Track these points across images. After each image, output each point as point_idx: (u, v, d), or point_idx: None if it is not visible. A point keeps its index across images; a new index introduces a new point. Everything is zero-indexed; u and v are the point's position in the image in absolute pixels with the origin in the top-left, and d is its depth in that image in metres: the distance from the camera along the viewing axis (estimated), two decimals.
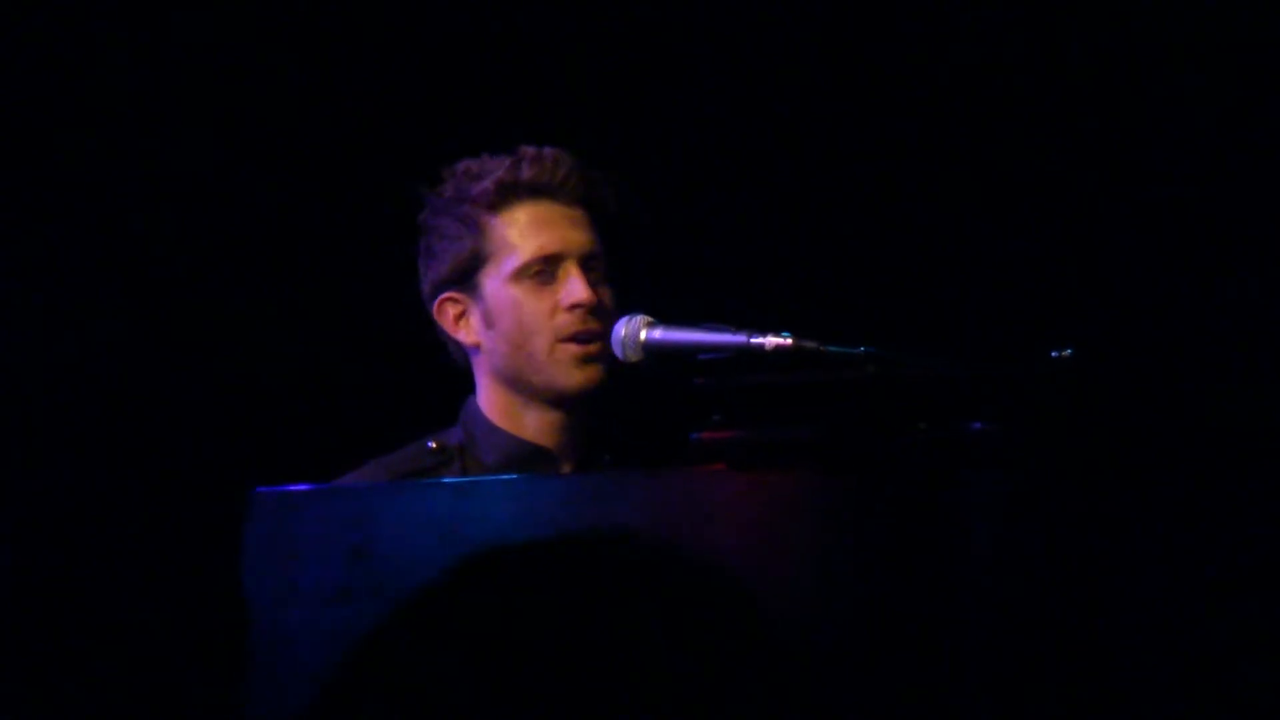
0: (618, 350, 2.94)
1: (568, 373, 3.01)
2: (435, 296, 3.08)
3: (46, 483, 3.97)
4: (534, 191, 3.05)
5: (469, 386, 3.12)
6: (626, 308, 2.98)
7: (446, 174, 3.11)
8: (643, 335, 2.92)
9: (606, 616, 1.25)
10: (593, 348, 3.00)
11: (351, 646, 1.20)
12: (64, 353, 3.99)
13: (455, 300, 3.08)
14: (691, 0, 4.21)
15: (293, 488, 2.28)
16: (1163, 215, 4.00)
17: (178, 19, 4.05)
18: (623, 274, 3.10)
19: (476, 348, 3.08)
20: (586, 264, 3.03)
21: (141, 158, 4.05)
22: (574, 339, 3.01)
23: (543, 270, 3.02)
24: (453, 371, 3.15)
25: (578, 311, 3.00)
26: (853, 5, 4.17)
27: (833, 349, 2.71)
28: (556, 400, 3.04)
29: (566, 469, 3.06)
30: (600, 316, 3.00)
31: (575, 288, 3.00)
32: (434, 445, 3.09)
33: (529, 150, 3.08)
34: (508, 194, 3.05)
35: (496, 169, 3.06)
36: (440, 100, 4.14)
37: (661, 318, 2.94)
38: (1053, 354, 2.41)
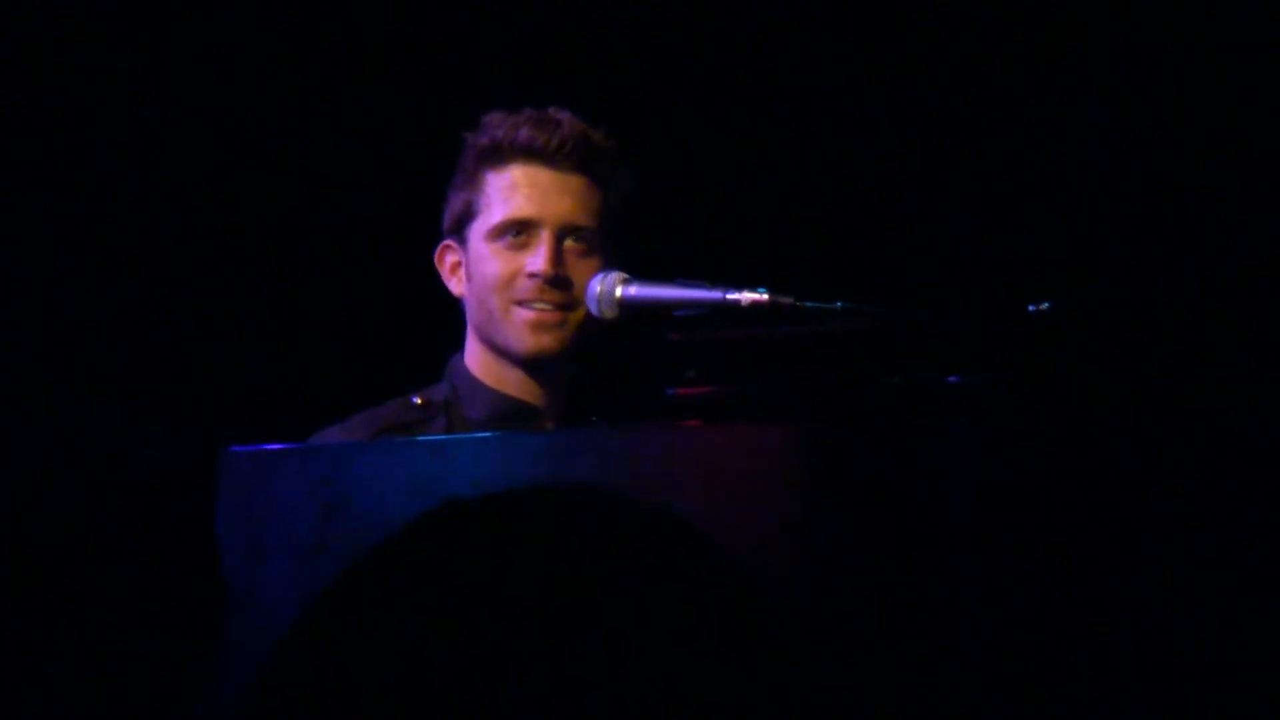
0: (593, 307, 2.94)
1: (519, 336, 3.02)
2: (438, 242, 3.11)
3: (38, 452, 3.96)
4: (528, 153, 3.05)
5: (457, 341, 3.12)
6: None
7: (480, 120, 3.12)
8: (618, 292, 2.92)
9: (579, 571, 1.24)
10: (547, 315, 3.00)
11: (322, 599, 1.19)
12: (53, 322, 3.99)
13: (451, 249, 3.10)
14: None
15: (265, 447, 2.27)
16: (1140, 167, 3.99)
17: None
18: (626, 243, 3.10)
19: (462, 299, 3.09)
20: (565, 233, 3.02)
21: (112, 119, 4.04)
22: (527, 304, 3.01)
23: (516, 233, 3.02)
24: (440, 327, 3.16)
25: (536, 280, 2.99)
26: None
27: (808, 303, 2.71)
28: (518, 361, 3.04)
29: (550, 425, 3.06)
30: (562, 287, 3.00)
31: (538, 258, 3.00)
32: (419, 400, 3.10)
33: (538, 112, 3.08)
34: (503, 152, 3.06)
35: (505, 124, 3.06)
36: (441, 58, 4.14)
37: (637, 274, 2.94)
38: (1030, 307, 2.40)
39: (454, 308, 3.13)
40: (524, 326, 3.02)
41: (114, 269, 4.02)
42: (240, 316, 4.08)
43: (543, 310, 3.01)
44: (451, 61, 4.11)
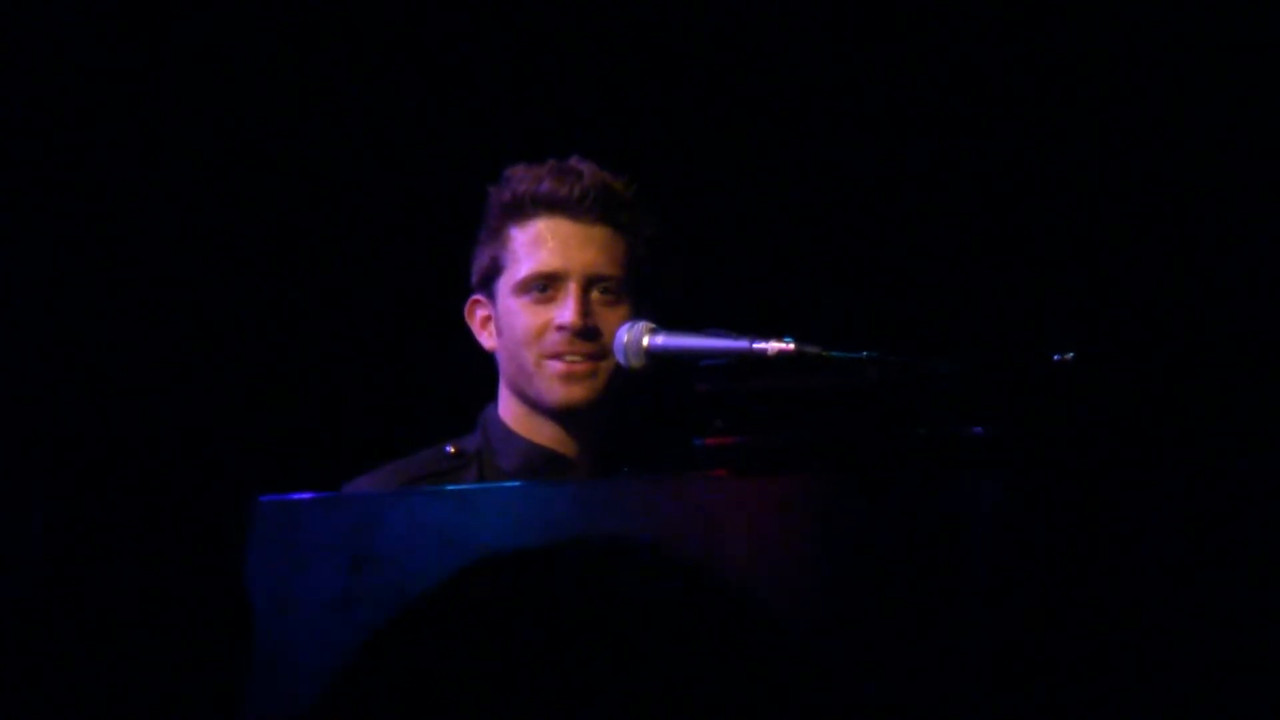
0: (620, 356, 2.94)
1: (550, 388, 3.02)
2: (468, 297, 3.12)
3: (62, 489, 3.97)
4: (550, 206, 3.05)
5: (491, 392, 3.14)
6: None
7: (503, 174, 3.13)
8: (645, 341, 2.92)
9: (608, 623, 1.25)
10: (578, 367, 3.01)
11: (352, 652, 1.20)
12: (77, 355, 4.00)
13: (480, 303, 3.11)
14: (697, 6, 4.21)
15: (296, 496, 2.28)
16: (1163, 219, 3.99)
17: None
18: (653, 290, 3.11)
19: (494, 353, 3.10)
20: (591, 283, 3.02)
21: (152, 160, 4.06)
22: (558, 357, 3.01)
23: (543, 287, 3.03)
24: (474, 378, 3.17)
25: (565, 332, 3.00)
26: (854, 13, 4.18)
27: (835, 354, 2.71)
28: (550, 413, 3.05)
29: (582, 475, 3.06)
30: (591, 338, 3.00)
31: (566, 310, 3.01)
32: (452, 450, 3.10)
33: (560, 163, 3.08)
34: (525, 206, 3.05)
35: (527, 178, 3.07)
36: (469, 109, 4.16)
37: (664, 324, 2.94)
38: (1054, 357, 2.41)
39: (485, 358, 3.14)
40: (555, 379, 3.02)
41: (143, 315, 4.04)
42: (275, 365, 4.10)
43: (573, 362, 3.01)
44: (484, 119, 4.12)
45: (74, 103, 4.01)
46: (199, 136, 4.06)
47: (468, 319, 3.13)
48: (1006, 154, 4.10)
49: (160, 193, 4.05)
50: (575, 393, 3.02)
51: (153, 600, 3.91)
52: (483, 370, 3.16)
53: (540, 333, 3.02)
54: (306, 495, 2.30)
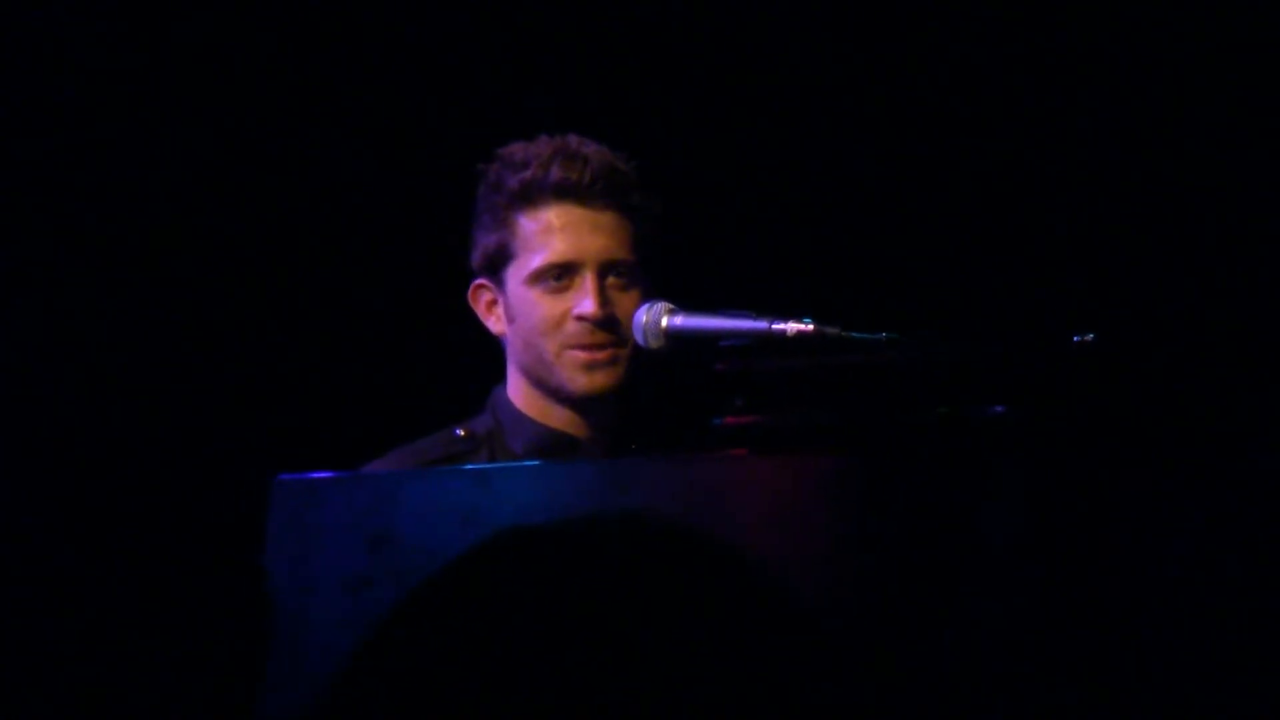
0: (639, 337, 2.94)
1: (572, 377, 3.02)
2: (471, 280, 3.10)
3: (70, 475, 3.98)
4: (560, 193, 3.03)
5: (499, 373, 3.13)
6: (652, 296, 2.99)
7: (498, 153, 3.11)
8: (664, 322, 2.92)
9: (629, 603, 1.25)
10: (600, 354, 3.00)
11: (372, 632, 1.20)
12: (86, 339, 4.01)
13: (486, 288, 3.09)
14: None
15: (314, 475, 2.28)
16: (1187, 202, 3.98)
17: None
18: (660, 269, 3.10)
19: (503, 337, 3.09)
20: (606, 270, 3.01)
21: (157, 142, 4.06)
22: (580, 346, 3.01)
23: (558, 276, 3.01)
24: (482, 360, 3.16)
25: (585, 323, 2.99)
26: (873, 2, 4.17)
27: (854, 334, 2.71)
28: (569, 400, 3.04)
29: (594, 457, 3.06)
30: (611, 326, 2.99)
31: (585, 300, 3.00)
32: (462, 433, 3.10)
33: (564, 146, 3.06)
34: (535, 193, 3.03)
35: (531, 162, 3.05)
36: (467, 82, 4.15)
37: (683, 304, 2.94)
38: (1075, 338, 2.40)
39: (489, 340, 3.13)
40: (578, 368, 3.01)
41: (148, 300, 4.04)
42: (275, 352, 4.09)
43: (595, 351, 3.01)
44: (484, 97, 4.12)
45: (74, 102, 4.01)
46: (198, 123, 4.06)
47: (472, 302, 3.11)
48: (1030, 135, 4.09)
49: (162, 176, 4.05)
50: (598, 380, 3.01)
51: (160, 587, 3.92)
52: (487, 351, 3.15)
53: (559, 323, 3.01)
54: (325, 474, 2.30)
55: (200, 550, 3.92)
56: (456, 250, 3.17)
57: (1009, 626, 2.07)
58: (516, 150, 3.07)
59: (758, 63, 4.20)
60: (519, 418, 3.08)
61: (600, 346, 3.00)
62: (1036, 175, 4.08)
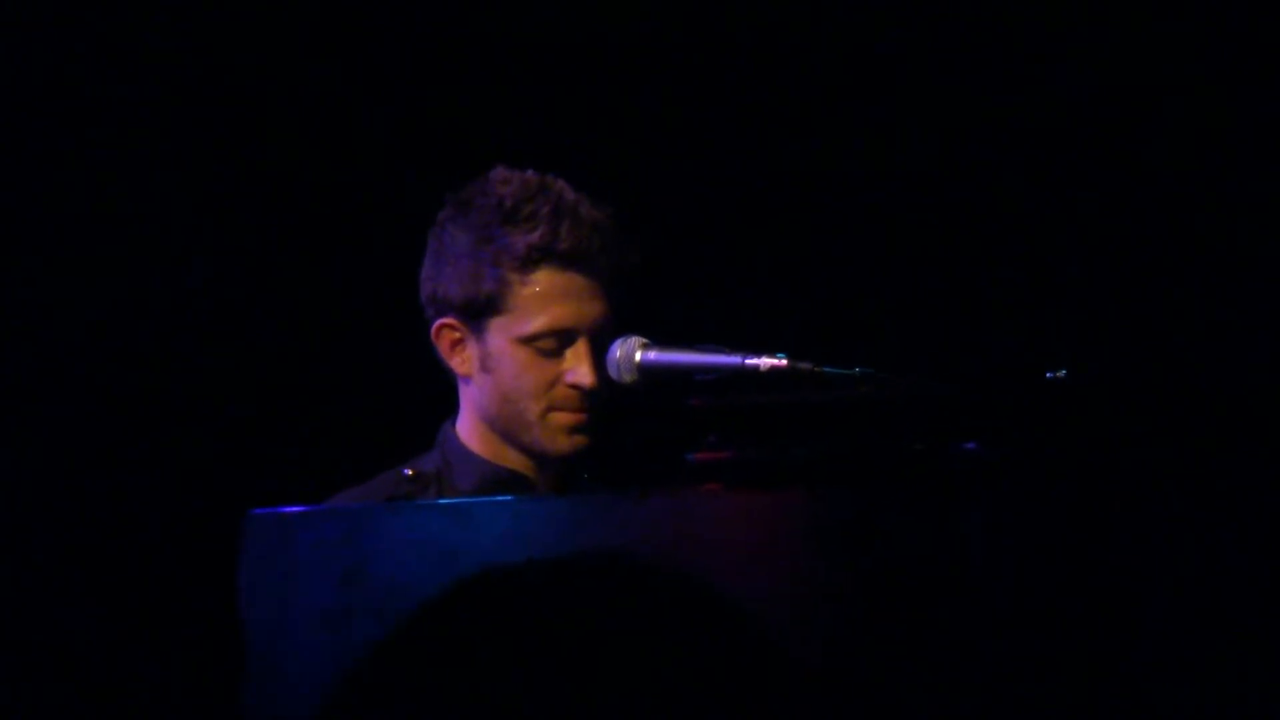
0: (612, 371, 2.93)
1: (554, 439, 3.01)
2: (437, 316, 3.05)
3: (44, 500, 3.97)
4: (566, 261, 3.00)
5: (449, 408, 3.11)
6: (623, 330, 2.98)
7: (475, 186, 3.06)
8: (638, 356, 2.91)
9: (602, 637, 1.25)
10: (584, 416, 3.00)
11: (351, 667, 1.20)
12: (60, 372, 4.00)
13: (455, 328, 3.04)
14: (689, 14, 4.21)
15: (287, 509, 2.27)
16: (1157, 234, 4.00)
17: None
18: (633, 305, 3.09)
19: (468, 379, 3.06)
20: (597, 336, 2.99)
21: (141, 171, 4.06)
22: (567, 410, 3.00)
23: (552, 342, 3.00)
24: (428, 398, 3.14)
25: (578, 391, 2.99)
26: (847, 28, 4.18)
27: (827, 369, 2.71)
28: (539, 458, 3.03)
29: (543, 493, 3.05)
30: (599, 392, 2.99)
31: (581, 371, 2.98)
32: (410, 472, 3.07)
33: (563, 205, 3.00)
34: (539, 256, 2.99)
35: (537, 224, 3.01)
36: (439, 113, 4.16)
37: (657, 338, 2.94)
38: (1048, 374, 2.41)
39: (436, 371, 3.10)
40: (562, 431, 3.01)
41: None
42: (223, 390, 4.08)
43: (581, 414, 3.00)
44: (462, 136, 4.12)
45: (73, 102, 4.01)
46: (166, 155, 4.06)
47: (435, 339, 3.06)
48: (1001, 173, 4.10)
49: (145, 202, 4.05)
50: (580, 442, 3.02)
51: (137, 622, 3.91)
52: (436, 385, 3.12)
53: (548, 386, 2.99)
54: (298, 508, 2.29)
55: (151, 590, 3.91)
56: (401, 284, 3.14)
57: (983, 663, 2.07)
58: (504, 195, 3.02)
59: (731, 96, 4.20)
60: (467, 456, 3.06)
61: (586, 410, 3.00)
62: (1009, 213, 4.09)
